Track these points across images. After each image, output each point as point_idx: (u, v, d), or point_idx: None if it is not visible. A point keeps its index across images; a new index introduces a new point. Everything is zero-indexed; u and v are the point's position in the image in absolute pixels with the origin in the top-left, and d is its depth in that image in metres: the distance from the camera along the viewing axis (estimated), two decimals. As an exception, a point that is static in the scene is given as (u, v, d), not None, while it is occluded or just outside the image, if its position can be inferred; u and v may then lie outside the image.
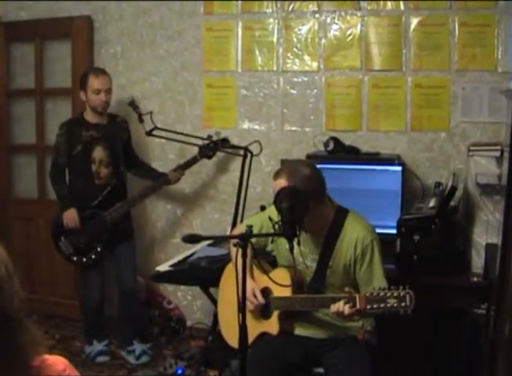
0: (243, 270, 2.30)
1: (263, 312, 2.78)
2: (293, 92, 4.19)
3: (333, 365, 2.69)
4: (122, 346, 4.18)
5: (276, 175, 2.66)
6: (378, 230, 2.80)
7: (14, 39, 4.79)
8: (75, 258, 3.99)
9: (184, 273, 3.54)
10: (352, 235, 2.67)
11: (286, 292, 2.67)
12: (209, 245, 3.76)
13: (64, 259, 4.05)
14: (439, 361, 3.33)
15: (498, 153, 3.34)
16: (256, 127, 4.28)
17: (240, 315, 2.32)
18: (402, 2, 3.91)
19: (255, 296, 2.73)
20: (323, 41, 4.10)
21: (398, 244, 3.29)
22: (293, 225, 2.45)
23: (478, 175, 3.35)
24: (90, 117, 4.02)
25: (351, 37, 4.03)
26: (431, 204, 3.39)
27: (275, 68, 4.21)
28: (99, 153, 4.00)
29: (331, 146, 3.81)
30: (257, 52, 4.23)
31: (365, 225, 2.74)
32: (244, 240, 2.29)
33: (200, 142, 4.08)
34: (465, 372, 3.20)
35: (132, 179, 4.27)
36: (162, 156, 4.50)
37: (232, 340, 2.76)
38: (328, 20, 4.07)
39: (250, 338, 2.41)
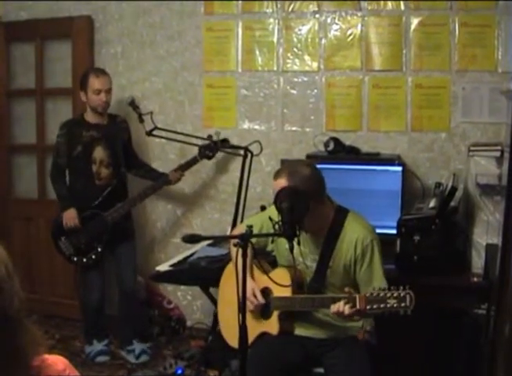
0: (243, 270, 2.30)
1: (263, 312, 2.78)
2: (294, 92, 4.19)
3: (332, 365, 2.69)
4: (122, 346, 4.18)
5: (276, 175, 2.66)
6: (378, 230, 2.80)
7: (14, 39, 4.79)
8: (75, 259, 3.99)
9: (184, 273, 3.54)
10: (352, 235, 2.67)
11: (287, 292, 2.67)
12: (209, 245, 3.76)
13: (64, 259, 4.05)
14: (439, 361, 3.33)
15: (498, 154, 3.34)
16: (256, 127, 4.28)
17: (240, 315, 2.32)
18: (402, 2, 3.91)
19: (255, 296, 2.73)
20: (323, 41, 4.10)
21: (398, 244, 3.28)
22: (293, 225, 2.45)
23: (478, 175, 3.35)
24: (90, 117, 4.02)
25: (351, 37, 4.03)
26: (431, 204, 3.39)
27: (275, 68, 4.21)
28: (99, 153, 4.00)
29: (331, 146, 3.81)
30: (257, 52, 4.23)
31: (365, 225, 2.74)
32: (244, 240, 2.29)
33: (200, 142, 4.08)
34: (465, 372, 3.20)
35: (133, 180, 4.27)
36: (162, 156, 4.50)
37: (232, 340, 2.76)
38: (328, 20, 4.07)
39: (250, 338, 2.41)
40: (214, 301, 3.42)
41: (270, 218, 2.52)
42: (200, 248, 3.74)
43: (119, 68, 4.53)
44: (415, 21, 3.89)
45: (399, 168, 3.60)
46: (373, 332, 2.82)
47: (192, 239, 2.46)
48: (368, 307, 2.37)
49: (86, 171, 3.99)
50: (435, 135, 3.91)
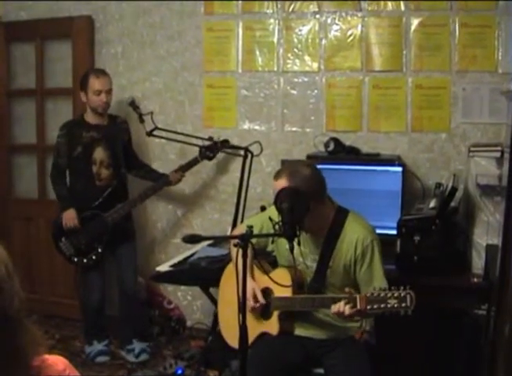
0: (243, 270, 2.30)
1: (263, 313, 2.78)
2: (294, 92, 4.19)
3: (332, 365, 2.69)
4: (122, 346, 4.18)
5: (277, 176, 2.67)
6: (378, 231, 2.80)
7: (14, 39, 4.79)
8: (76, 259, 3.99)
9: (184, 273, 3.54)
10: (352, 235, 2.67)
11: (287, 292, 2.67)
12: (209, 245, 3.76)
13: (65, 260, 4.05)
14: (439, 362, 3.32)
15: (498, 154, 3.34)
16: (256, 127, 4.28)
17: (240, 315, 2.32)
18: (402, 3, 3.91)
19: (256, 296, 2.73)
20: (324, 41, 4.10)
21: (398, 244, 3.28)
22: (294, 225, 2.45)
23: (479, 175, 3.35)
24: (90, 118, 4.02)
25: (351, 37, 4.03)
26: (432, 204, 3.39)
27: (275, 68, 4.21)
28: (99, 154, 4.00)
29: (331, 146, 3.81)
30: (257, 53, 4.23)
31: (365, 225, 2.74)
32: (245, 240, 2.29)
33: (200, 142, 4.08)
34: (465, 373, 3.20)
35: (133, 180, 4.27)
36: (162, 156, 4.50)
37: (233, 340, 2.76)
38: (328, 21, 4.07)
39: (251, 338, 2.41)
40: (214, 302, 3.42)
41: (270, 219, 2.52)
42: (200, 249, 3.75)
43: (119, 68, 4.53)
44: (415, 22, 3.89)
45: (399, 169, 3.60)
46: (373, 332, 2.83)
47: (193, 239, 2.46)
48: (368, 307, 2.37)
49: (86, 171, 3.99)
50: (435, 135, 3.91)
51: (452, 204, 3.29)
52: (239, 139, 4.25)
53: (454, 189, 3.19)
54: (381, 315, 2.39)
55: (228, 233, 3.79)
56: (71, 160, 4.00)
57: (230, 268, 2.98)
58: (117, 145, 4.07)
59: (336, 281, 2.71)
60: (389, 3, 3.93)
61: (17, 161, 4.97)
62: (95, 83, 3.93)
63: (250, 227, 2.35)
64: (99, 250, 3.96)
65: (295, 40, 4.15)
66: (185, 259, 3.65)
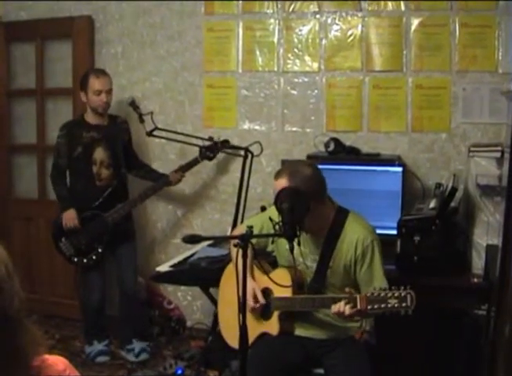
0: (243, 271, 2.30)
1: (263, 313, 2.78)
2: (294, 92, 4.19)
3: (333, 365, 2.69)
4: (122, 346, 4.17)
5: (277, 175, 2.66)
6: (378, 231, 2.80)
7: (14, 39, 4.79)
8: (76, 259, 3.99)
9: (184, 274, 3.54)
10: (353, 236, 2.67)
11: (287, 292, 2.67)
12: (209, 246, 3.76)
13: (65, 260, 4.05)
14: (439, 362, 3.32)
15: (498, 154, 3.34)
16: (256, 127, 4.28)
17: (241, 315, 2.32)
18: (402, 3, 3.91)
19: (256, 296, 2.73)
20: (324, 41, 4.09)
21: (398, 244, 3.28)
22: (294, 225, 2.45)
23: (479, 176, 3.35)
24: (90, 118, 4.02)
25: (351, 37, 4.03)
26: (432, 205, 3.39)
27: (275, 69, 4.21)
28: (99, 154, 4.00)
29: (332, 146, 3.81)
30: (257, 53, 4.23)
31: (365, 225, 2.74)
32: (245, 240, 2.29)
33: (200, 142, 4.08)
34: (465, 373, 3.20)
35: (133, 180, 4.27)
36: (162, 156, 4.50)
37: (233, 340, 2.76)
38: (329, 21, 4.07)
39: (251, 338, 2.40)
40: (214, 302, 3.42)
41: (270, 219, 2.52)
42: (200, 249, 3.75)
43: (119, 68, 4.53)
44: (415, 22, 3.89)
45: (399, 169, 3.60)
46: (373, 332, 2.83)
47: (193, 239, 2.46)
48: (369, 307, 2.37)
49: (86, 172, 3.99)
50: (435, 135, 3.91)
51: (452, 204, 3.29)
52: (239, 139, 4.25)
53: (454, 190, 3.19)
54: (381, 315, 2.39)
55: (229, 234, 3.79)
56: (71, 161, 4.00)
57: (230, 268, 2.98)
58: (117, 145, 4.07)
59: (336, 281, 2.71)
60: (389, 3, 3.93)
61: (17, 161, 4.97)
62: (95, 83, 3.93)
63: (250, 227, 2.35)
64: (99, 250, 3.96)
65: (295, 40, 4.15)
66: (185, 259, 3.66)
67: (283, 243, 2.61)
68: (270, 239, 2.78)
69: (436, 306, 3.12)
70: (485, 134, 3.80)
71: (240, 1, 4.24)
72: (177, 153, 4.43)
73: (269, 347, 2.72)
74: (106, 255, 4.03)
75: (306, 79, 4.15)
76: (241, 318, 2.31)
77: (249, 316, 2.50)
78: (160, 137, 4.16)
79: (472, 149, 3.49)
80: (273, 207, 2.61)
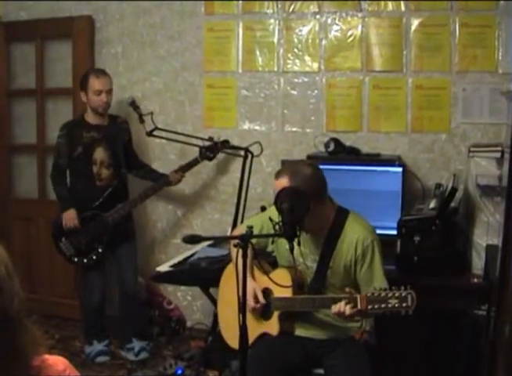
0: (243, 271, 2.30)
1: (263, 313, 2.78)
2: (294, 92, 4.18)
3: (333, 366, 2.69)
4: (122, 346, 4.17)
5: (278, 175, 2.66)
6: (378, 231, 2.80)
7: (14, 39, 4.79)
8: (76, 259, 3.99)
9: (184, 274, 3.54)
10: (353, 236, 2.67)
11: (287, 293, 2.67)
12: (209, 246, 3.76)
13: (65, 260, 4.05)
14: (439, 362, 3.32)
15: (498, 155, 3.34)
16: (256, 127, 4.28)
17: (241, 315, 2.32)
18: (402, 3, 3.91)
19: (256, 297, 2.73)
20: (324, 42, 4.09)
21: (398, 244, 3.28)
22: (294, 225, 2.45)
23: (479, 176, 3.35)
24: (91, 118, 4.02)
25: (351, 38, 4.03)
26: (432, 205, 3.39)
27: (275, 69, 4.21)
28: (100, 154, 4.00)
29: (332, 146, 3.81)
30: (257, 53, 4.23)
31: (365, 225, 2.74)
32: (245, 240, 2.29)
33: (200, 142, 4.08)
34: (465, 373, 3.20)
35: (133, 180, 4.27)
36: (162, 156, 4.50)
37: (232, 341, 2.76)
38: (329, 21, 4.07)
39: (251, 338, 2.40)
40: (214, 302, 3.42)
41: (270, 219, 2.52)
42: (200, 249, 3.75)
43: (119, 68, 4.53)
44: (415, 22, 3.89)
45: (399, 169, 3.60)
46: (373, 332, 2.82)
47: (193, 239, 2.46)
48: (369, 307, 2.37)
49: (87, 172, 3.99)
50: (435, 135, 3.91)
51: (452, 204, 3.29)
52: (239, 140, 4.25)
53: (454, 190, 3.19)
54: (382, 315, 2.39)
55: (229, 234, 3.79)
56: (72, 161, 4.00)
57: (230, 268, 2.98)
58: (117, 145, 4.07)
59: (336, 281, 2.71)
60: (389, 3, 3.93)
61: (17, 161, 4.97)
62: (95, 83, 3.93)
63: (251, 227, 2.35)
64: (100, 250, 3.96)
65: (295, 40, 4.15)
66: (185, 259, 3.66)
67: (283, 243, 2.61)
68: (270, 239, 2.78)
69: (436, 306, 3.12)
70: (485, 134, 3.80)
71: (240, 2, 4.24)
72: (177, 153, 4.43)
73: (269, 347, 2.72)
74: (106, 255, 4.03)
75: (306, 79, 4.15)
76: (241, 318, 2.31)
77: (249, 317, 2.50)
78: (160, 137, 4.16)
79: (472, 149, 3.49)
80: (273, 208, 2.60)
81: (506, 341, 2.19)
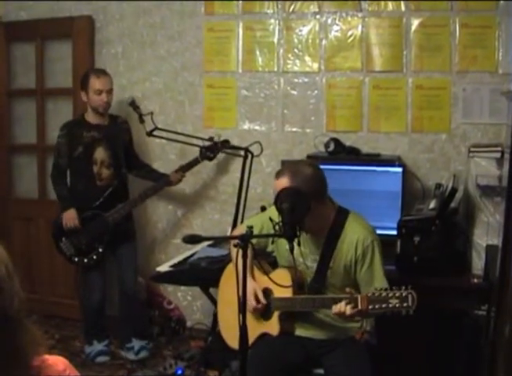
0: (243, 271, 2.30)
1: (263, 313, 2.78)
2: (294, 92, 4.18)
3: (332, 366, 2.69)
4: (122, 346, 4.17)
5: (278, 175, 2.66)
6: (378, 231, 2.80)
7: (15, 39, 4.79)
8: (76, 259, 3.99)
9: (184, 274, 3.54)
10: (353, 236, 2.67)
11: (287, 293, 2.67)
12: (209, 246, 3.76)
13: (65, 260, 4.05)
14: (439, 362, 3.32)
15: (498, 155, 3.34)
16: (256, 127, 4.28)
17: (241, 315, 2.32)
18: (402, 3, 3.91)
19: (257, 296, 2.72)
20: (324, 42, 4.09)
21: (398, 245, 3.28)
22: (294, 225, 2.45)
23: (479, 176, 3.35)
24: (91, 117, 4.02)
25: (351, 38, 4.03)
26: (432, 205, 3.38)
27: (275, 69, 4.21)
28: (100, 154, 4.00)
29: (332, 146, 3.80)
30: (257, 53, 4.23)
31: (365, 226, 2.74)
32: (245, 240, 2.29)
33: (200, 142, 4.08)
34: (465, 373, 3.20)
35: (133, 180, 4.27)
36: (163, 156, 4.50)
37: (232, 341, 2.76)
38: (329, 21, 4.07)
39: (251, 338, 2.40)
40: (214, 302, 3.42)
41: (270, 219, 2.52)
42: (200, 249, 3.75)
43: (119, 68, 4.53)
44: (415, 22, 3.89)
45: (399, 169, 3.60)
46: (373, 332, 2.82)
47: (193, 239, 2.45)
48: (370, 307, 2.36)
49: (87, 171, 3.99)
50: (435, 136, 3.91)
51: (452, 204, 3.29)
52: (239, 140, 4.25)
53: (454, 190, 3.19)
54: (382, 315, 2.39)
55: (229, 234, 3.79)
56: (72, 160, 4.00)
57: (230, 268, 2.98)
58: (117, 145, 4.07)
59: (336, 282, 2.71)
60: (389, 3, 3.93)
61: (17, 161, 4.97)
62: (95, 83, 3.93)
63: (251, 227, 2.35)
64: (100, 250, 3.96)
65: (295, 40, 4.15)
66: (185, 259, 3.66)
67: (283, 243, 2.61)
68: (270, 239, 2.78)
69: (436, 307, 3.12)
70: (485, 134, 3.80)
71: (240, 2, 4.24)
72: (177, 153, 4.43)
73: (269, 347, 2.72)
74: (106, 255, 4.03)
75: (306, 79, 4.15)
76: (241, 318, 2.31)
77: (249, 317, 2.49)
78: (160, 137, 4.16)
79: (472, 149, 3.49)
80: (273, 208, 2.60)
81: (506, 341, 2.19)
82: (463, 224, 3.43)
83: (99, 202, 3.96)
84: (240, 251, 2.28)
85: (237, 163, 4.18)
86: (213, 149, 4.05)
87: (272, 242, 2.79)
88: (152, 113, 4.02)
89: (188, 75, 4.42)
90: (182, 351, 4.09)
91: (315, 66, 4.12)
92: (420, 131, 3.94)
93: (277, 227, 2.47)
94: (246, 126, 4.31)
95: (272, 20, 4.19)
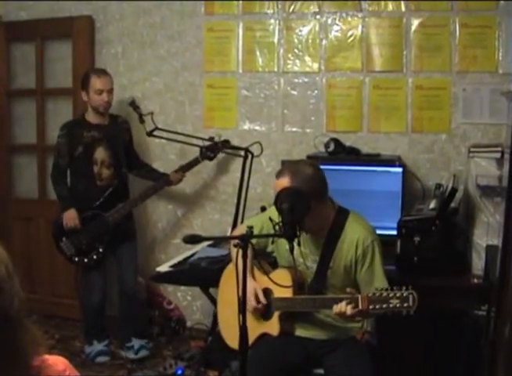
0: (243, 271, 2.30)
1: (263, 313, 2.78)
2: (294, 92, 4.18)
3: (333, 366, 2.69)
4: (121, 346, 4.17)
5: (279, 175, 2.66)
6: (378, 231, 2.80)
7: (15, 39, 4.79)
8: (77, 259, 3.99)
9: (184, 274, 3.54)
10: (353, 236, 2.67)
11: (287, 293, 2.67)
12: (209, 246, 3.76)
13: (66, 260, 4.04)
14: (440, 362, 3.32)
15: (498, 155, 3.34)
16: (256, 128, 4.28)
17: (241, 316, 2.32)
18: (402, 3, 3.91)
19: (257, 296, 2.72)
20: (324, 42, 4.09)
21: (398, 245, 3.28)
22: (294, 226, 2.45)
23: (479, 176, 3.35)
24: (91, 117, 4.02)
25: (351, 38, 4.03)
26: (432, 205, 3.38)
27: (275, 69, 4.21)
28: (100, 154, 4.00)
29: (332, 147, 3.80)
30: (257, 53, 4.23)
31: (365, 226, 2.74)
32: (245, 240, 2.29)
33: (200, 142, 4.08)
34: (465, 373, 3.20)
35: (134, 180, 4.27)
36: (163, 156, 4.50)
37: (232, 341, 2.76)
38: (329, 21, 4.07)
39: (251, 338, 2.40)
40: (214, 302, 3.42)
41: (270, 219, 2.52)
42: (200, 249, 3.75)
43: (119, 68, 4.53)
44: (415, 22, 3.89)
45: (399, 169, 3.60)
46: (374, 333, 2.82)
47: (193, 239, 2.45)
48: (371, 307, 2.37)
49: (87, 171, 3.99)
50: (436, 136, 3.91)
51: (452, 204, 3.29)
52: (239, 140, 4.25)
53: (454, 190, 3.19)
54: (383, 315, 2.39)
55: (229, 234, 3.79)
56: (72, 160, 4.00)
57: (230, 268, 2.97)
58: (118, 145, 4.07)
59: (336, 282, 2.71)
60: (389, 3, 3.93)
61: (17, 161, 4.97)
62: (96, 82, 3.93)
63: (251, 227, 2.35)
64: (100, 250, 3.96)
65: (295, 40, 4.15)
66: (185, 259, 3.66)
67: (283, 243, 2.61)
68: (270, 239, 2.78)
69: (436, 307, 3.12)
70: (485, 134, 3.80)
71: (240, 2, 4.24)
72: (177, 153, 4.43)
73: (269, 347, 2.72)
74: (106, 255, 4.03)
75: (306, 79, 4.15)
76: (241, 318, 2.31)
77: (249, 317, 2.49)
78: (160, 137, 4.16)
79: (472, 149, 3.49)
80: (273, 208, 2.60)
81: (506, 341, 2.19)
82: (463, 224, 3.43)
83: (100, 202, 3.96)
84: (240, 251, 2.28)
85: (237, 163, 4.18)
86: (213, 149, 4.05)
87: (272, 242, 2.79)
88: (152, 113, 4.02)
89: (188, 75, 4.42)
90: (182, 351, 4.09)
91: (315, 66, 4.12)
92: (420, 132, 3.93)
93: (277, 227, 2.47)
94: (246, 126, 4.30)
95: (272, 20, 4.19)
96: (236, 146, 4.16)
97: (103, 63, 4.49)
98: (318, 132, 4.08)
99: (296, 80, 4.17)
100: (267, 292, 2.77)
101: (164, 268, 3.59)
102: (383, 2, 3.94)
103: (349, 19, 4.03)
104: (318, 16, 4.09)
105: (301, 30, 4.13)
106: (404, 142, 3.97)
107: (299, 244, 2.51)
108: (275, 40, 4.19)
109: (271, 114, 4.25)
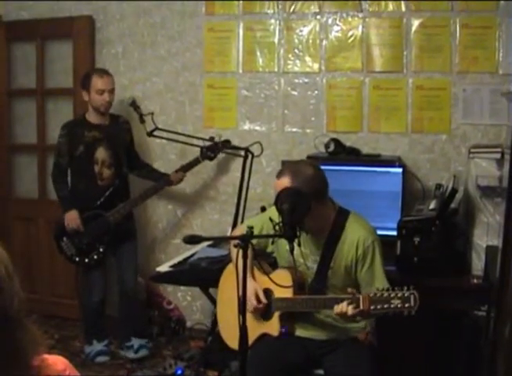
0: (243, 271, 2.30)
1: (264, 313, 2.78)
2: (294, 93, 4.19)
3: (332, 366, 2.69)
4: (121, 346, 4.17)
5: (279, 175, 2.66)
6: (379, 232, 2.79)
7: (15, 39, 4.79)
8: (77, 259, 3.99)
9: (184, 274, 3.54)
10: (353, 236, 2.67)
11: (288, 293, 2.66)
12: (209, 246, 3.76)
13: (66, 260, 4.04)
14: (439, 363, 3.32)
15: (498, 156, 3.34)
16: (257, 128, 4.28)
17: (241, 316, 2.32)
18: (403, 4, 3.91)
19: (258, 297, 2.72)
20: (324, 42, 4.10)
21: (398, 245, 3.28)
22: (294, 226, 2.45)
23: (479, 177, 3.35)
24: (92, 117, 4.02)
25: (352, 38, 4.03)
26: (432, 206, 3.38)
27: (276, 69, 4.21)
28: (101, 153, 3.99)
29: (332, 147, 3.80)
30: (258, 53, 4.23)
31: (366, 226, 2.73)
32: (245, 241, 2.29)
33: (200, 142, 4.08)
34: (465, 373, 3.20)
35: (134, 180, 4.27)
36: (163, 156, 4.50)
37: (232, 341, 2.76)
38: (329, 22, 4.07)
39: (251, 339, 2.40)
40: (214, 302, 3.42)
41: (270, 219, 2.51)
42: (200, 249, 3.75)
43: (120, 68, 4.53)
44: (416, 23, 3.89)
45: (400, 170, 3.60)
46: (374, 333, 2.82)
47: (193, 240, 2.45)
48: (372, 307, 2.36)
49: (88, 171, 3.98)
50: (436, 136, 3.91)
51: (452, 205, 3.29)
52: (239, 140, 4.25)
53: (454, 191, 3.19)
54: (384, 315, 2.39)
55: (229, 234, 3.79)
56: (73, 160, 4.00)
57: (230, 268, 2.97)
58: (118, 145, 4.07)
59: (337, 282, 2.71)
60: (390, 4, 3.93)
61: (17, 161, 4.97)
62: (98, 82, 3.93)
63: (251, 228, 2.35)
64: (101, 249, 3.96)
65: (296, 40, 4.15)
66: (185, 260, 3.65)
67: (283, 243, 2.61)
68: (270, 240, 2.78)
69: (436, 307, 3.12)
70: (485, 135, 3.80)
71: (241, 2, 4.24)
72: (177, 153, 4.43)
73: (269, 347, 2.72)
74: (107, 255, 4.03)
75: (306, 80, 4.16)
76: (241, 318, 2.31)
77: (249, 317, 2.49)
78: (160, 137, 4.16)
79: (472, 150, 3.49)
80: (273, 208, 2.60)
81: (506, 341, 2.20)
82: (463, 225, 3.42)
83: (100, 202, 3.96)
84: (240, 252, 2.28)
85: (237, 163, 4.18)
86: (214, 149, 4.05)
87: (272, 242, 2.79)
88: (152, 114, 4.02)
89: (188, 75, 4.42)
90: (182, 351, 4.09)
91: (316, 66, 4.12)
92: (420, 132, 3.94)
93: (277, 227, 2.47)
94: (246, 126, 4.31)
95: (273, 21, 4.19)
96: (236, 146, 4.16)
97: (103, 63, 4.50)
98: (318, 133, 4.08)
99: (296, 80, 4.17)
100: (267, 292, 2.76)
101: (163, 268, 3.59)
102: (383, 3, 3.94)
103: (349, 19, 4.03)
104: (318, 17, 4.09)
105: (301, 31, 4.13)
106: (404, 143, 3.97)
107: (299, 245, 2.51)
108: (276, 40, 4.19)
109: (271, 114, 4.25)
